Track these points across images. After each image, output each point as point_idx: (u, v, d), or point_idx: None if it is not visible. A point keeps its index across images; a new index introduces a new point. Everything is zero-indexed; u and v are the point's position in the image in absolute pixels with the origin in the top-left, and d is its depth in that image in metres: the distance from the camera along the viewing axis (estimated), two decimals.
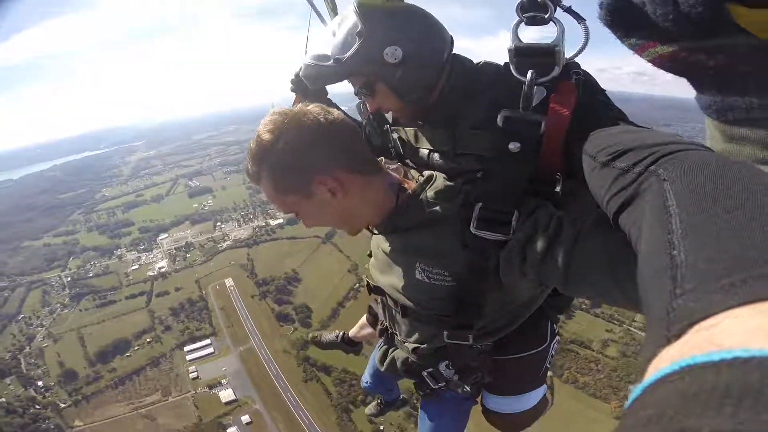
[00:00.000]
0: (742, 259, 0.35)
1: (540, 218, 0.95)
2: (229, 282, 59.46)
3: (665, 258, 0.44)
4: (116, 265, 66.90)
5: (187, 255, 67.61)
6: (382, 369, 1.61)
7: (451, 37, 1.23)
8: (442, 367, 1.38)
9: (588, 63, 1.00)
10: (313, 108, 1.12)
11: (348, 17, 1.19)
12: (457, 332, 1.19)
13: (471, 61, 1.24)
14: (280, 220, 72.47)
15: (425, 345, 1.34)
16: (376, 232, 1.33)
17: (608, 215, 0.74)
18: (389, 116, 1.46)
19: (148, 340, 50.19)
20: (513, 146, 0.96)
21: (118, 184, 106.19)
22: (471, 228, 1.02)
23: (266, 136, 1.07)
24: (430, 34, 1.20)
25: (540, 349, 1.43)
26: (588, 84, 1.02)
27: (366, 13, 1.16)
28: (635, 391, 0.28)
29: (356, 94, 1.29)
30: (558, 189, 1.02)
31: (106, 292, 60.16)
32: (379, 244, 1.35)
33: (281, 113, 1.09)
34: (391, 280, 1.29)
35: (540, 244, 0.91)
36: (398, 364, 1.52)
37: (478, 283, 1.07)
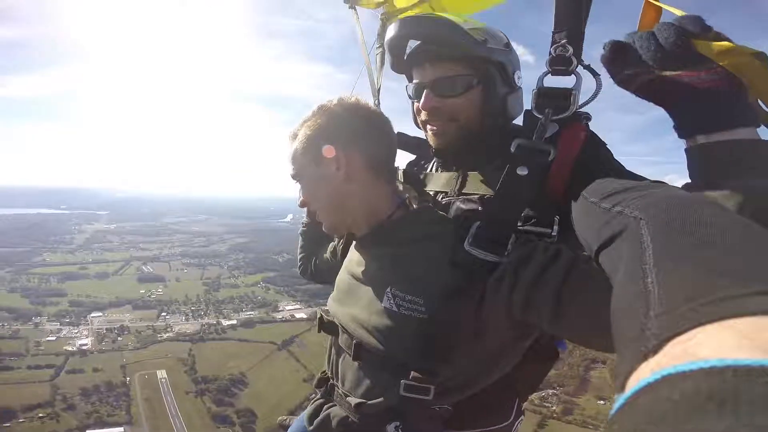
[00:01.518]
0: (707, 284, 0.39)
1: (538, 245, 0.96)
2: (161, 374, 50.98)
3: (639, 285, 0.48)
4: (29, 332, 56.93)
5: (119, 338, 59.04)
6: (310, 429, 1.29)
7: None
8: (390, 429, 1.11)
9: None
10: (367, 102, 1.21)
11: (496, 32, 1.30)
12: (417, 382, 1.02)
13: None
14: (234, 321, 67.13)
15: (374, 401, 1.11)
16: (356, 243, 1.28)
17: (590, 253, 0.77)
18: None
19: (40, 414, 40.03)
20: (521, 170, 1.01)
21: (64, 252, 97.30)
22: (465, 244, 0.99)
23: (322, 104, 1.16)
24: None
25: (501, 426, 1.26)
26: (595, 137, 1.13)
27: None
28: (619, 401, 0.29)
29: (433, 81, 1.25)
30: (554, 233, 1.04)
31: (5, 356, 49.82)
32: (349, 268, 1.26)
33: (343, 97, 1.19)
34: (351, 309, 1.17)
35: (534, 266, 0.90)
36: (333, 423, 1.22)
37: (453, 314, 0.99)
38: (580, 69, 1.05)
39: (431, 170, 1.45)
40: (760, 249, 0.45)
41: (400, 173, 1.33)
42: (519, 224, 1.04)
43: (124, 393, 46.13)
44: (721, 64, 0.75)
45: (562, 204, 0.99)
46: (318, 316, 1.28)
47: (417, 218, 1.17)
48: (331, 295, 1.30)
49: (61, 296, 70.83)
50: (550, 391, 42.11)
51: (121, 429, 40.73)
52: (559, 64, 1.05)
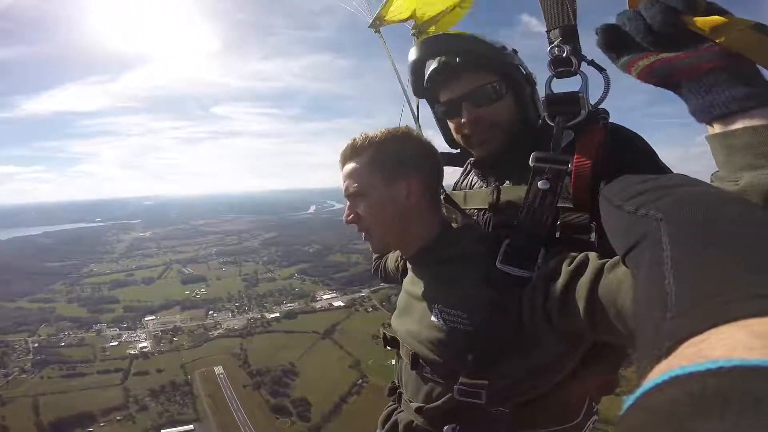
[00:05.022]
0: (722, 285, 0.40)
1: (567, 255, 0.95)
2: (218, 370, 53.61)
3: (658, 287, 0.48)
4: (93, 339, 60.18)
5: (174, 339, 61.82)
6: None
7: None
8: (448, 430, 1.18)
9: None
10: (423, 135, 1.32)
11: (497, 39, 1.33)
12: (469, 388, 1.06)
13: None
14: (277, 314, 69.41)
15: (431, 405, 1.20)
16: (408, 262, 1.36)
17: (619, 256, 0.76)
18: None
19: (118, 417, 42.81)
20: (542, 184, 1.01)
21: (109, 262, 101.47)
22: (496, 263, 1.02)
23: (390, 129, 1.25)
24: None
25: (568, 425, 1.22)
26: (618, 131, 1.08)
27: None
28: (628, 400, 0.30)
29: (469, 92, 1.25)
30: (593, 239, 1.00)
31: (77, 363, 53.11)
32: (405, 286, 1.35)
33: (407, 127, 1.29)
34: (407, 324, 1.27)
35: (565, 276, 0.91)
36: (400, 427, 1.34)
37: (497, 327, 1.01)
38: (584, 66, 1.00)
39: (470, 186, 1.48)
40: None
41: (443, 196, 1.43)
42: (557, 234, 1.04)
43: (188, 391, 48.67)
44: (717, 41, 0.69)
45: (594, 210, 0.97)
46: (381, 334, 1.39)
47: (457, 237, 1.24)
48: (393, 313, 1.40)
49: (115, 303, 74.08)
50: None
51: (191, 427, 42.70)
52: (561, 65, 1.02)
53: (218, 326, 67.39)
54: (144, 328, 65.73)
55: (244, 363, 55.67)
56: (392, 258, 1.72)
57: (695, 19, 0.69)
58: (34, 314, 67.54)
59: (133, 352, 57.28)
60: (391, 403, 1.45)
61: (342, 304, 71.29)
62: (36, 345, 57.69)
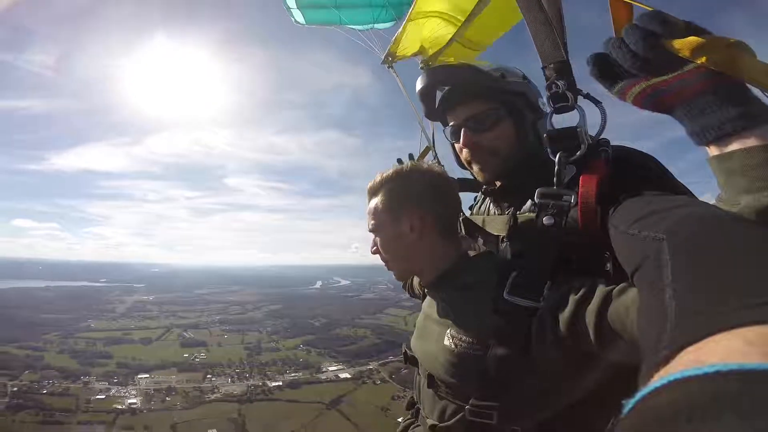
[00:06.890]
0: (719, 297, 0.42)
1: (573, 285, 0.96)
2: None
3: (658, 302, 0.50)
4: (78, 390, 54.58)
5: (167, 398, 56.14)
6: None
7: None
8: None
9: None
10: (437, 167, 1.38)
11: (512, 68, 1.37)
12: (480, 409, 1.09)
13: None
14: (279, 383, 63.86)
15: (445, 423, 1.21)
16: (425, 288, 1.42)
17: (629, 278, 0.78)
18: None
19: None
20: (547, 220, 1.03)
21: (108, 320, 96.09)
22: (504, 293, 1.04)
23: (400, 166, 1.34)
24: None
25: None
26: (622, 158, 1.09)
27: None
28: (628, 403, 0.30)
29: (466, 119, 1.34)
30: (608, 268, 1.03)
31: (56, 411, 47.79)
32: (424, 309, 1.41)
33: (417, 163, 1.38)
34: (424, 345, 1.32)
35: (572, 305, 0.92)
36: None
37: (506, 353, 1.03)
38: (581, 100, 1.03)
39: (486, 213, 1.51)
40: None
41: (461, 223, 1.44)
42: (573, 266, 1.04)
43: None
44: (698, 62, 0.68)
45: (607, 239, 0.95)
46: (403, 351, 1.45)
47: (473, 266, 1.28)
48: (413, 333, 1.44)
49: (108, 358, 68.94)
50: None
51: None
52: (559, 100, 1.04)
53: (216, 390, 61.40)
54: (135, 385, 60.09)
55: (241, 429, 49.74)
56: (417, 279, 1.77)
57: (673, 42, 0.69)
58: (20, 360, 62.55)
59: (119, 407, 51.64)
60: (410, 417, 1.53)
61: (349, 376, 66.29)
62: (15, 389, 52.51)
